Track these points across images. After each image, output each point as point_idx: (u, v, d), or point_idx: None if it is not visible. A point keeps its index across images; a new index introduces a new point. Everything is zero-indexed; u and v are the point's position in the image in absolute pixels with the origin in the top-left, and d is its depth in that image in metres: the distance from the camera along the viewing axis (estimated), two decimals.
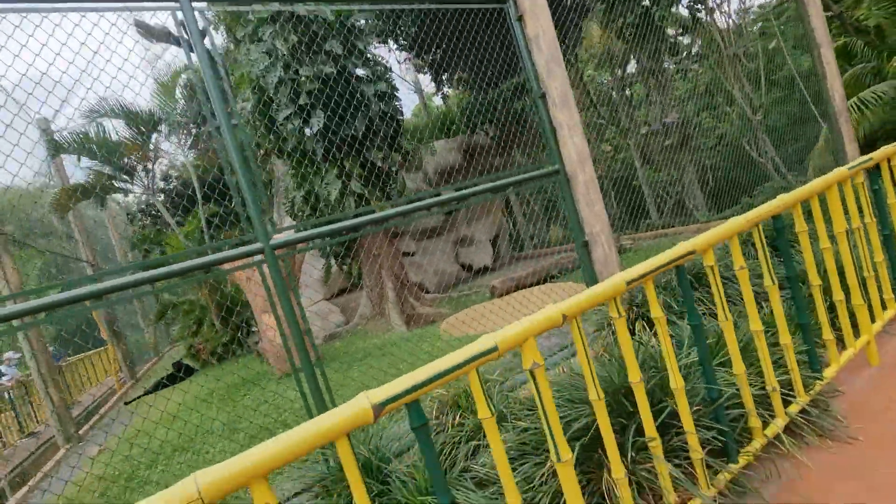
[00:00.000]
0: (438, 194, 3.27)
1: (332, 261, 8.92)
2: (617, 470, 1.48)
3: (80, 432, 6.21)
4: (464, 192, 3.45)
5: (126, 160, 7.80)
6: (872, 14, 6.96)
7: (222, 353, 8.67)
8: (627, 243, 8.12)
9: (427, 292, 9.76)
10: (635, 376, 1.57)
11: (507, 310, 5.93)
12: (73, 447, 5.80)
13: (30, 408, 7.92)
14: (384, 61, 7.02)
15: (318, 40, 6.64)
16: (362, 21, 6.99)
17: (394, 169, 7.40)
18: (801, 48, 7.38)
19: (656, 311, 1.65)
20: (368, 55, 6.99)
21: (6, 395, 7.49)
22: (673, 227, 8.65)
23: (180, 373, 8.71)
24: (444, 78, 11.88)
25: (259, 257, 2.57)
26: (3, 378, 7.97)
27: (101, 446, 5.21)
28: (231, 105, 2.63)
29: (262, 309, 5.94)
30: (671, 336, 1.93)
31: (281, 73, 6.50)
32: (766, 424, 1.89)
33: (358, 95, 6.76)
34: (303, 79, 6.56)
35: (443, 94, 13.21)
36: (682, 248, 1.72)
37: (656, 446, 1.58)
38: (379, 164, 7.19)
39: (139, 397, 8.07)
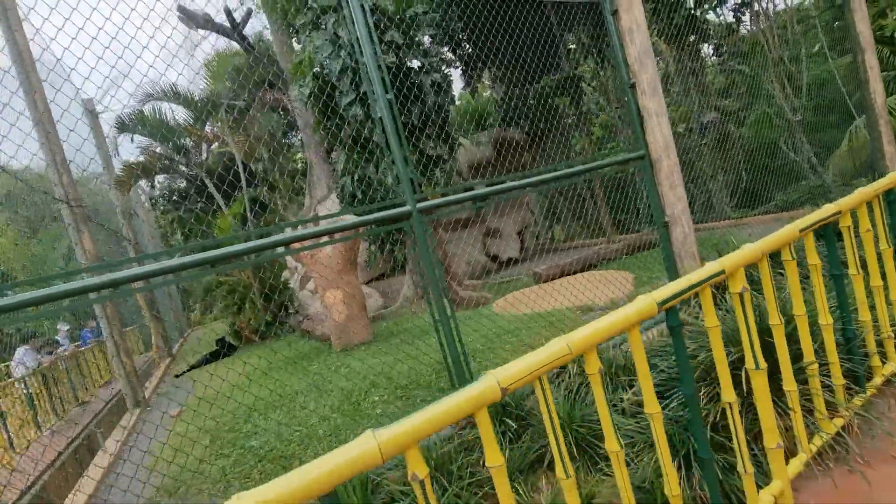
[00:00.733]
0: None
1: (372, 247, 9.21)
2: (790, 384, 1.78)
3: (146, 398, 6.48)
4: (553, 174, 3.73)
5: (182, 141, 8.05)
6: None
7: (265, 331, 8.95)
8: None
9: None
10: (777, 319, 1.85)
11: (553, 294, 6.25)
12: (143, 411, 6.08)
13: (80, 378, 8.18)
14: (442, 53, 7.30)
15: (380, 29, 6.92)
16: (420, 11, 7.25)
17: (444, 157, 7.69)
18: (835, 51, 7.67)
19: (813, 260, 1.95)
20: (426, 46, 7.27)
21: (61, 366, 7.76)
22: (705, 222, 8.98)
23: (224, 349, 8.98)
24: (476, 73, 12.16)
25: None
26: (60, 348, 8.22)
27: (181, 408, 5.50)
28: (385, 79, 2.91)
29: (325, 286, 6.23)
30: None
31: (345, 60, 6.77)
32: (884, 364, 2.21)
33: (416, 85, 7.05)
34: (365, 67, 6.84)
35: (472, 89, 13.49)
36: (828, 209, 2.02)
37: (813, 370, 1.89)
38: (432, 152, 7.48)
39: (188, 370, 8.35)
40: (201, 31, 11.74)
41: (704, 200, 9.31)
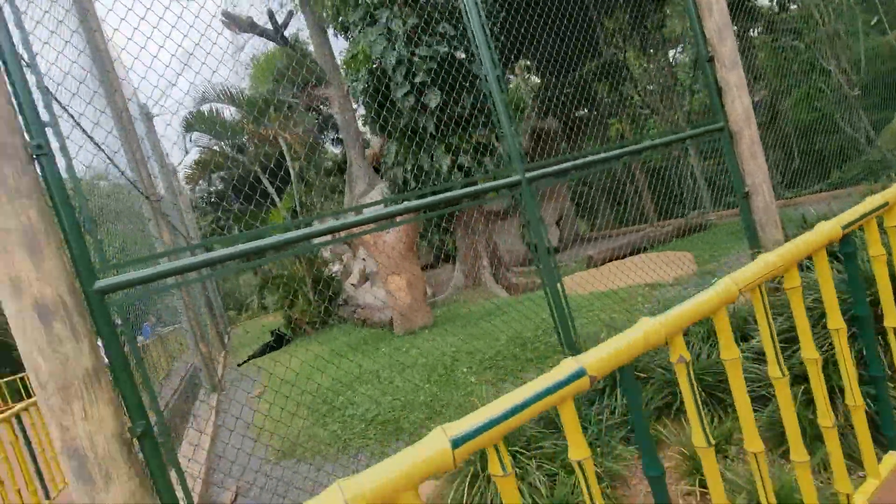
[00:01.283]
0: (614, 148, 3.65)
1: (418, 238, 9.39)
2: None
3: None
4: (641, 146, 3.82)
5: (238, 139, 8.39)
6: None
7: (319, 323, 9.22)
8: (713, 218, 8.41)
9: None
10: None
11: (615, 274, 6.32)
12: (219, 393, 6.38)
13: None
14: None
15: (433, 22, 7.08)
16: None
17: (494, 145, 7.82)
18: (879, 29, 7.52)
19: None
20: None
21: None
22: None
23: (280, 341, 9.28)
24: (510, 63, 12.23)
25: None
26: (139, 339, 8.71)
27: (262, 388, 5.77)
28: (495, 59, 3.05)
29: (389, 272, 6.42)
30: None
31: (401, 52, 6.95)
32: None
33: (469, 76, 7.19)
34: (417, 59, 7.01)
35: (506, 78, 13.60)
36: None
37: None
38: (483, 141, 7.61)
39: (247, 360, 8.67)
40: (245, 35, 12.12)
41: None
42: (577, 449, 1.03)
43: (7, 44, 1.86)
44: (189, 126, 8.24)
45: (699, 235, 7.99)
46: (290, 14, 11.58)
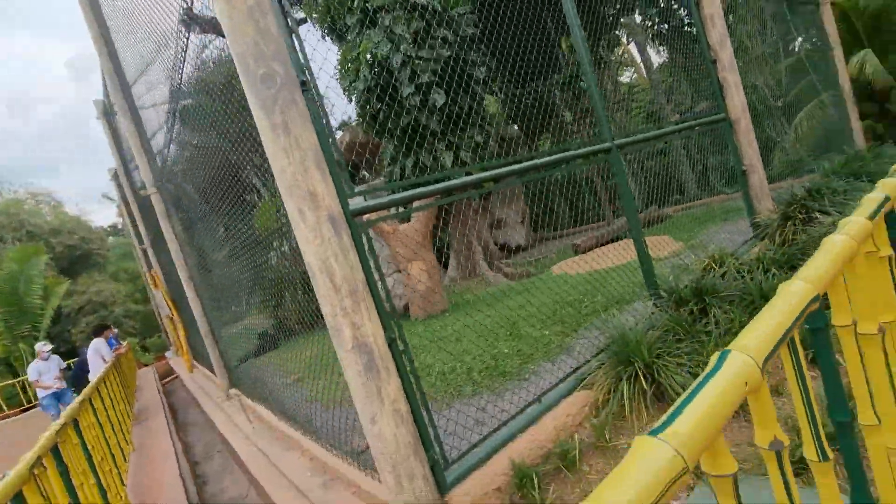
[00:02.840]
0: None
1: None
2: None
3: None
4: (659, 132, 4.57)
5: None
6: None
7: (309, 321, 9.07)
8: (670, 212, 9.67)
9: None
10: None
11: (602, 259, 7.14)
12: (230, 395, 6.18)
13: None
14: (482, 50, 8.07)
15: (434, 27, 7.58)
16: (463, 11, 7.99)
17: (486, 142, 8.42)
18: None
19: None
20: (473, 41, 8.01)
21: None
22: (701, 199, 10.36)
23: (269, 342, 8.97)
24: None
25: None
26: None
27: (296, 375, 5.72)
28: (588, 53, 3.61)
29: (408, 258, 6.69)
30: None
31: (408, 52, 7.34)
32: None
33: (468, 77, 7.75)
34: (420, 61, 7.45)
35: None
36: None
37: None
38: (478, 138, 8.18)
39: (239, 364, 8.31)
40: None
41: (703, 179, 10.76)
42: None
43: None
44: None
45: (662, 225, 9.15)
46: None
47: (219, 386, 7.05)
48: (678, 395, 2.53)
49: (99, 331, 8.48)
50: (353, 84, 8.12)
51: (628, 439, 2.46)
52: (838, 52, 7.69)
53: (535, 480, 2.26)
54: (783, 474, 0.80)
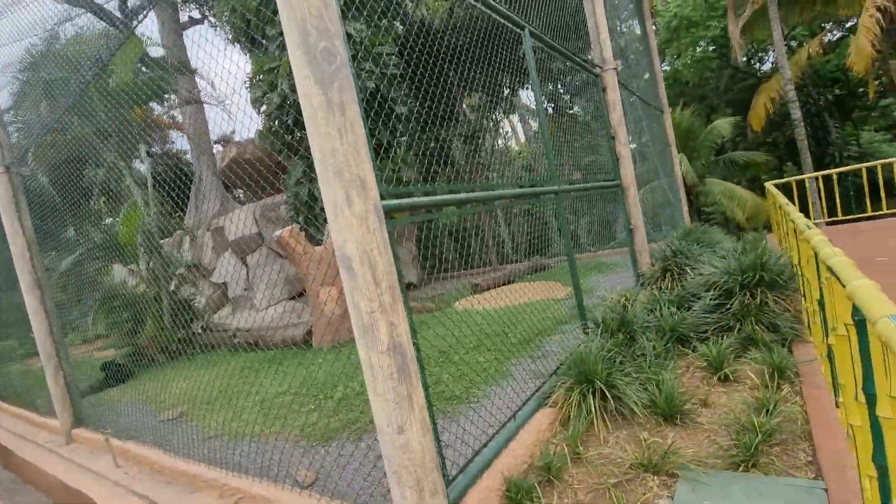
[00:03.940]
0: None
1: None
2: None
3: None
4: (578, 186, 5.31)
5: None
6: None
7: (175, 349, 7.82)
8: (550, 263, 10.83)
9: None
10: None
11: (505, 297, 7.70)
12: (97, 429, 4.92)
13: None
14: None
15: (358, 59, 7.68)
16: (385, 52, 8.26)
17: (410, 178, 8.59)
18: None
19: None
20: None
21: None
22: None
23: (109, 376, 7.44)
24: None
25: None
26: None
27: (182, 409, 4.81)
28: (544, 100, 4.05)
29: (319, 283, 6.28)
30: None
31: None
32: None
33: (395, 114, 7.93)
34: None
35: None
36: None
37: None
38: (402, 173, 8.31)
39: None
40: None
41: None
42: None
43: None
44: None
45: (547, 272, 10.18)
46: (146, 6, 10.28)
47: (51, 429, 5.52)
48: (637, 408, 2.86)
49: None
50: (267, 96, 7.69)
51: (599, 451, 2.66)
52: (673, 150, 9.86)
53: (530, 493, 2.30)
54: None
